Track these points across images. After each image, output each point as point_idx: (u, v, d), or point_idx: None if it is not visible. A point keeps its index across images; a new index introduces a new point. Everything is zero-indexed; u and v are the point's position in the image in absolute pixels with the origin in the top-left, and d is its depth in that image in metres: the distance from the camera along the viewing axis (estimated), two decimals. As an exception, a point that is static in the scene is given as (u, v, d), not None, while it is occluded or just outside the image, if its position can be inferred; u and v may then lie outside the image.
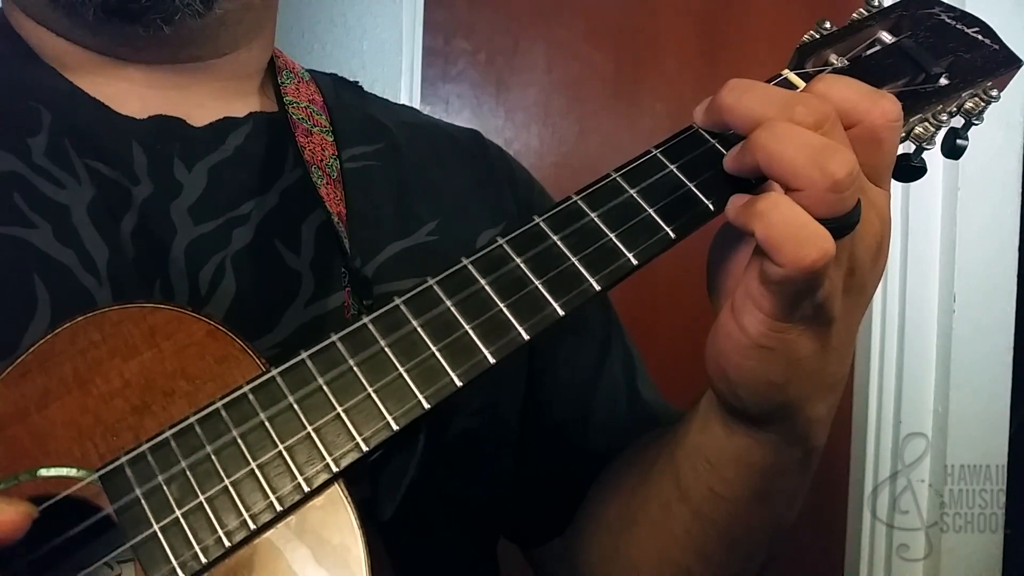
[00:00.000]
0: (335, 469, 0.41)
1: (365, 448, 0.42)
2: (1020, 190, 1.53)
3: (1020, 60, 0.51)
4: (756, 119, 0.42)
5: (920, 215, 1.53)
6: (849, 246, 0.43)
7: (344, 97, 0.70)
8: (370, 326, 0.44)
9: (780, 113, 0.41)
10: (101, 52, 0.58)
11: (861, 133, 0.43)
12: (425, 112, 0.80)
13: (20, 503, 0.39)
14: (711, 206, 0.44)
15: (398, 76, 1.41)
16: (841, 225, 0.40)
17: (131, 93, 0.59)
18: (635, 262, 0.44)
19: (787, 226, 0.39)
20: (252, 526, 0.41)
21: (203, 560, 0.40)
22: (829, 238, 0.39)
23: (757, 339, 0.43)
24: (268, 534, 0.41)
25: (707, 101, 0.45)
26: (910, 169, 0.50)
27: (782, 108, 0.41)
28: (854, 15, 0.51)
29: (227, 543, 0.40)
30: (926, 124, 0.49)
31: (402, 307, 0.44)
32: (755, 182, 0.44)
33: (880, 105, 0.43)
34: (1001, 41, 0.51)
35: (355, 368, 0.43)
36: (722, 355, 0.45)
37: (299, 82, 0.67)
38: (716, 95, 0.44)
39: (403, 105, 0.80)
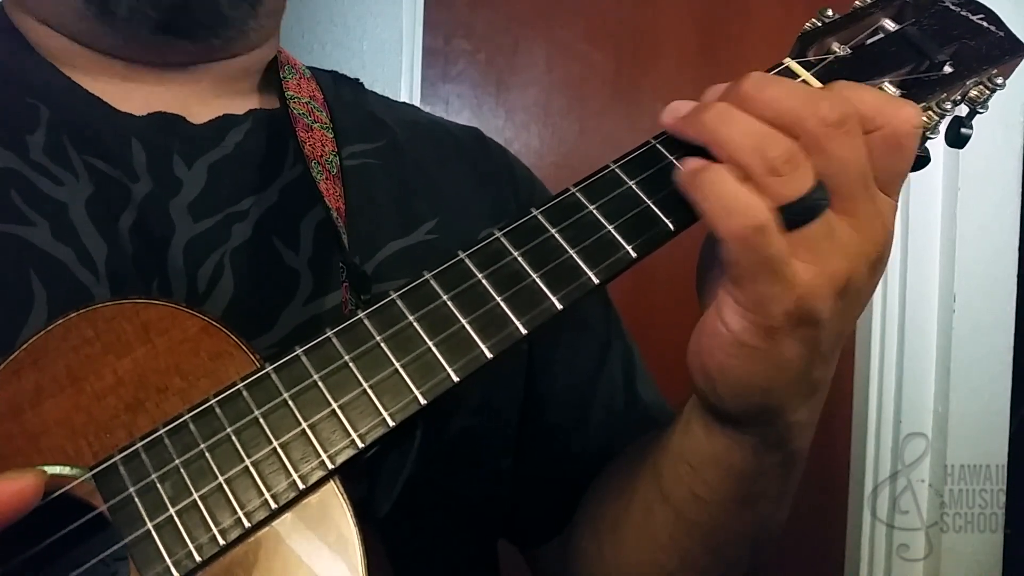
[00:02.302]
0: (331, 466, 0.41)
1: (361, 445, 0.41)
2: (1020, 190, 1.53)
3: None
4: (781, 113, 0.42)
5: (920, 214, 1.53)
6: (827, 236, 0.41)
7: (344, 94, 0.69)
8: (365, 321, 0.43)
9: (804, 107, 0.41)
10: (110, 54, 0.58)
11: (883, 137, 0.43)
12: (426, 112, 0.79)
13: (31, 471, 0.39)
14: None
15: (398, 76, 1.41)
16: (799, 209, 0.40)
17: (131, 90, 0.58)
18: (634, 255, 0.43)
19: (719, 196, 0.40)
20: (247, 524, 0.40)
21: (197, 559, 0.40)
22: (759, 208, 0.39)
23: (739, 335, 0.42)
24: (263, 532, 0.41)
25: (722, 87, 0.45)
26: (914, 159, 0.50)
27: (806, 103, 0.41)
28: (856, 3, 0.51)
29: (221, 541, 0.40)
30: (930, 113, 0.48)
31: (398, 301, 0.44)
32: None
33: (904, 111, 0.43)
34: (1006, 28, 0.50)
35: (350, 364, 0.43)
36: (704, 352, 0.44)
37: (300, 78, 0.66)
38: (734, 86, 0.44)
39: (404, 103, 0.80)
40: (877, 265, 0.44)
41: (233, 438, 0.42)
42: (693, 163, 0.43)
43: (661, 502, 0.54)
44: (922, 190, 1.52)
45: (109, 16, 0.55)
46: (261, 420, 0.42)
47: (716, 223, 0.40)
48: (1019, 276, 1.53)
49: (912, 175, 0.50)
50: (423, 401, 0.42)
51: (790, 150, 0.40)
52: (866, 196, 0.42)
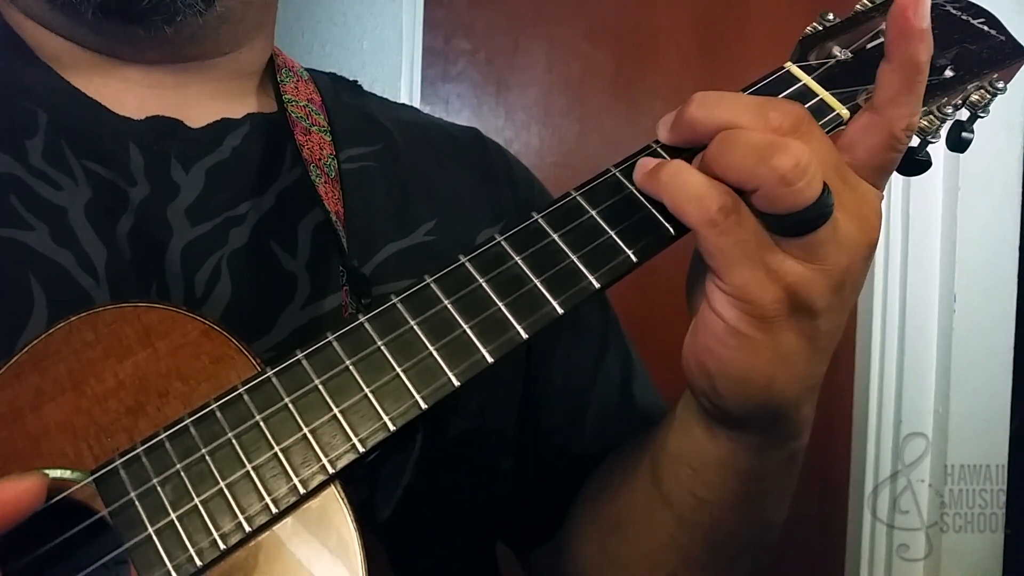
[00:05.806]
0: (331, 470, 0.41)
1: (362, 449, 0.41)
2: (1020, 190, 1.53)
3: None
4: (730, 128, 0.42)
5: (920, 215, 1.53)
6: (831, 238, 0.41)
7: (343, 96, 0.69)
8: (367, 325, 0.43)
9: (755, 121, 0.41)
10: (100, 51, 0.58)
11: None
12: (425, 112, 0.79)
13: (33, 474, 0.39)
14: None
15: (398, 76, 1.40)
16: (805, 218, 0.40)
17: (129, 93, 0.58)
18: (635, 259, 0.43)
19: (681, 186, 0.41)
20: (247, 528, 0.40)
21: (198, 563, 0.40)
22: (722, 189, 0.40)
23: (734, 323, 0.42)
24: (264, 536, 0.41)
25: (670, 116, 0.45)
26: (915, 163, 0.50)
27: (756, 115, 0.41)
28: (857, 7, 0.51)
29: (222, 545, 0.40)
30: (931, 117, 0.48)
31: (399, 306, 0.44)
32: None
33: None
34: (1007, 32, 0.50)
35: (351, 368, 0.43)
36: (701, 349, 0.44)
37: (298, 81, 0.66)
38: (681, 110, 0.44)
39: (402, 104, 0.79)
40: (868, 255, 0.44)
41: (234, 442, 0.42)
42: (647, 163, 0.44)
43: (661, 503, 0.54)
44: (922, 190, 1.52)
45: (55, 0, 0.54)
46: (262, 424, 0.42)
47: (682, 211, 0.41)
48: (1019, 276, 1.53)
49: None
50: (424, 405, 0.42)
51: (798, 157, 0.40)
52: (845, 187, 0.42)
